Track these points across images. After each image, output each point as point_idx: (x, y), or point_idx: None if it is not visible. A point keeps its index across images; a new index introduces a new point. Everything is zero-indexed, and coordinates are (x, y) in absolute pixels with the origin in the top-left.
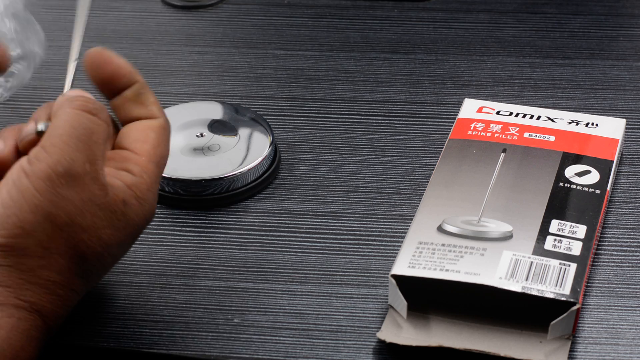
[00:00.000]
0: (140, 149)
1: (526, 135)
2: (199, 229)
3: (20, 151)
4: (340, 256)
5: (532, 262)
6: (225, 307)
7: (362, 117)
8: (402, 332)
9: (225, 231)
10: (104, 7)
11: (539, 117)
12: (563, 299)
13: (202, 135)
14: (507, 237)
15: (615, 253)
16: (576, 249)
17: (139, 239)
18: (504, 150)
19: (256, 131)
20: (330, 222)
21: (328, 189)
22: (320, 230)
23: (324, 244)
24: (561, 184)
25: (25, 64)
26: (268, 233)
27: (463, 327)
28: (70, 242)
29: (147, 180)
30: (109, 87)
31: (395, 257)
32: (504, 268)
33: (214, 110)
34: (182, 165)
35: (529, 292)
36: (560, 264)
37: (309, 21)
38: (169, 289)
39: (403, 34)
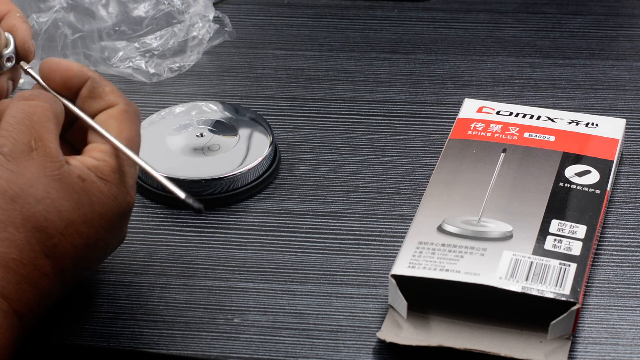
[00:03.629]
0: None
1: (526, 135)
2: (199, 229)
3: None
4: (340, 256)
5: (532, 262)
6: (225, 307)
7: (362, 117)
8: (402, 332)
9: (225, 231)
10: None
11: (539, 117)
12: (563, 299)
13: (202, 135)
14: (507, 237)
15: (615, 253)
16: (576, 249)
17: (140, 238)
18: (504, 150)
19: (256, 131)
20: (330, 222)
21: (328, 189)
22: (320, 230)
23: (324, 244)
24: (561, 184)
25: None
26: (268, 233)
27: (463, 327)
28: (24, 213)
29: (111, 163)
30: (67, 91)
31: (395, 257)
32: (504, 268)
33: (214, 110)
34: (182, 165)
35: (529, 292)
36: (560, 264)
37: (309, 21)
38: (169, 289)
39: (403, 34)
